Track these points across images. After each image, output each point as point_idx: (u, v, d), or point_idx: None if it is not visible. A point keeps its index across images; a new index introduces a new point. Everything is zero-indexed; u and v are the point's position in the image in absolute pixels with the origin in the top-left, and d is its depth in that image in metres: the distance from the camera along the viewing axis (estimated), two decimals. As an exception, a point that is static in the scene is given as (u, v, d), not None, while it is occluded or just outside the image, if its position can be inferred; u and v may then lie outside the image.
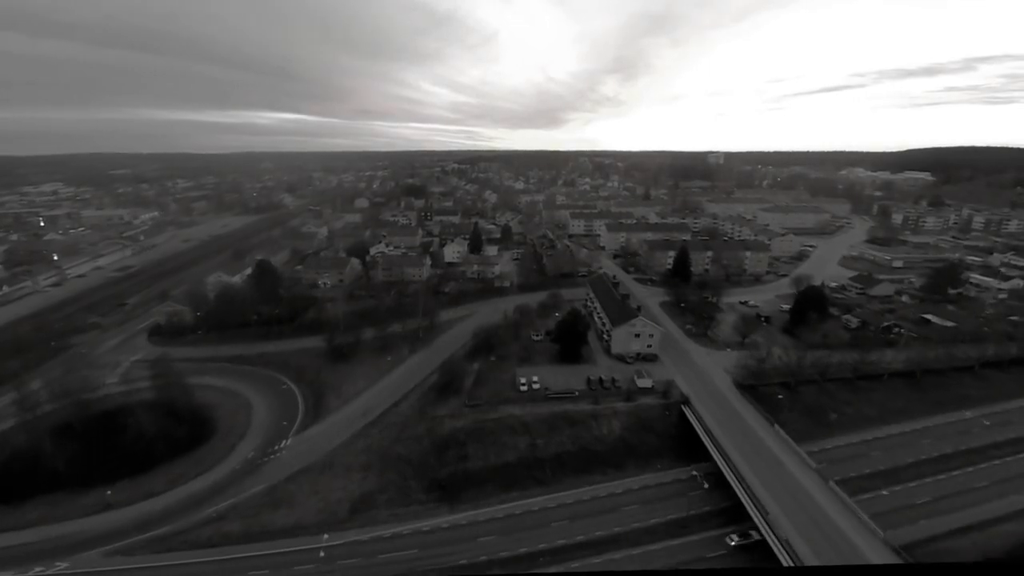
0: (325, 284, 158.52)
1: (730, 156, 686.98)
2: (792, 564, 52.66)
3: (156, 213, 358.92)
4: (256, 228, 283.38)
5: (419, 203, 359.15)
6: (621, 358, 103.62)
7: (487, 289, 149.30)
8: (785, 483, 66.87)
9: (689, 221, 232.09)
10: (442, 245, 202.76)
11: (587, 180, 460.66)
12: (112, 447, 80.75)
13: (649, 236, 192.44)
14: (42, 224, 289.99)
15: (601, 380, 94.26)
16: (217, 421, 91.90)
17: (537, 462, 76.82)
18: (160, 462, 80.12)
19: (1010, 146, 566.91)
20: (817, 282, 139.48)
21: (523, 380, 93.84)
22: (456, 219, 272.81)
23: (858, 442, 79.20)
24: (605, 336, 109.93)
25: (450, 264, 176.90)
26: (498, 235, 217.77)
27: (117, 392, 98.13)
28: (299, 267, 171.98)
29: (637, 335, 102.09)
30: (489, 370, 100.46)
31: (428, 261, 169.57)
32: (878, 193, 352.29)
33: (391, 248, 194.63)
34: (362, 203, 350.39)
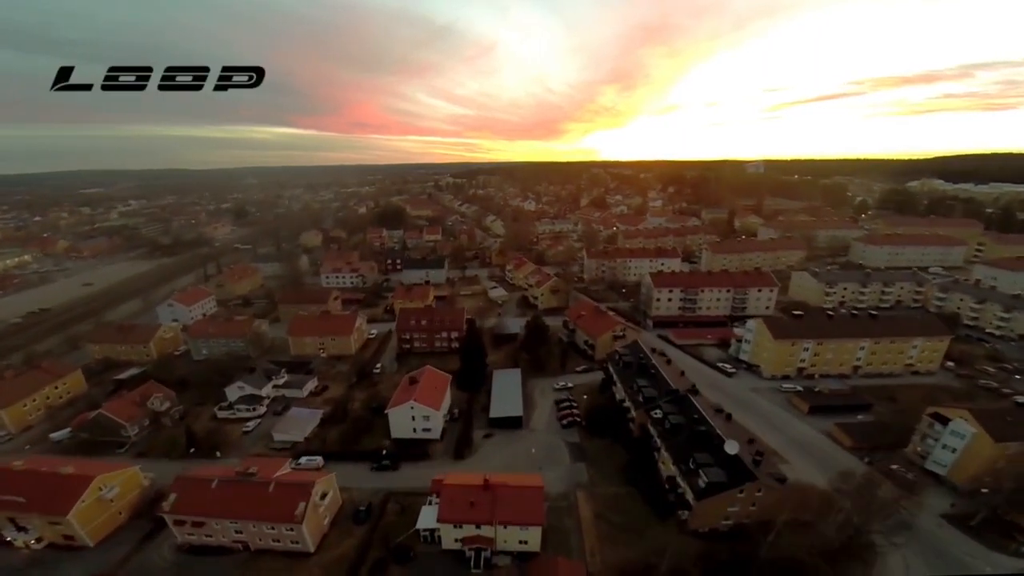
0: (28, 545, 52.20)
1: (767, 166, 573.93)
2: None
3: (26, 256, 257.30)
4: (120, 292, 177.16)
5: (397, 233, 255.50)
6: None
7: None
8: None
9: (874, 288, 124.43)
10: (399, 363, 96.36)
11: (619, 198, 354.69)
12: None
13: (866, 347, 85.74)
14: None
15: None
16: None
17: None
18: None
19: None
20: None
21: None
22: (441, 273, 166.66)
23: None
24: None
25: (402, 443, 69.78)
26: (517, 327, 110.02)
27: None
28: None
29: None
30: None
31: (328, 492, 57.67)
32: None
33: (281, 385, 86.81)
34: (312, 238, 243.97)
